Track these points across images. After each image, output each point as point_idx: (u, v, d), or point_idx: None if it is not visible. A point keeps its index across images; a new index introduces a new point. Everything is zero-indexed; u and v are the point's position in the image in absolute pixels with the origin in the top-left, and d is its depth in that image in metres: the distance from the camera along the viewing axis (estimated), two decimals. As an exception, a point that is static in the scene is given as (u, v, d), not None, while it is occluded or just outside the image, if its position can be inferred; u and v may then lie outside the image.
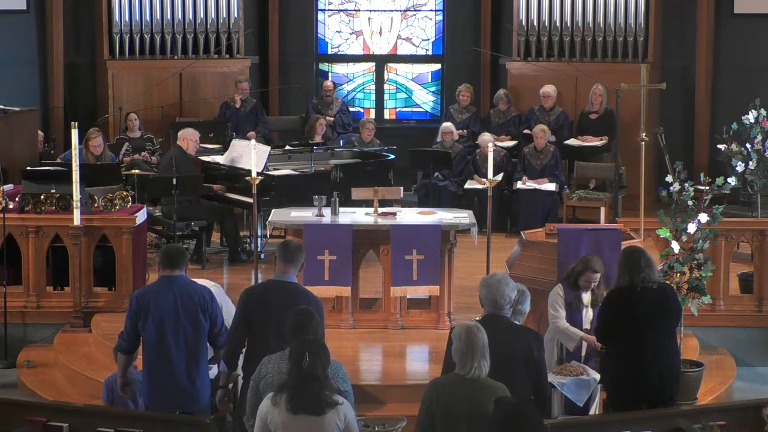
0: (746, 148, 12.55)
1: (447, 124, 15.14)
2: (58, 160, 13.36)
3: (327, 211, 11.06)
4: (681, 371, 8.50)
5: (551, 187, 14.38)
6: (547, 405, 7.40)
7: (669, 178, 10.18)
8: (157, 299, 7.87)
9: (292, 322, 6.94)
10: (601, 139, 15.16)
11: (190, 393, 7.94)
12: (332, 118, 16.06)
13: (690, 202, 9.98)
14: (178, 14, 16.33)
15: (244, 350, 7.82)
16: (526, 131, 15.23)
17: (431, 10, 17.47)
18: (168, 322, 7.86)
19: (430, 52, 17.58)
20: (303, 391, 6.31)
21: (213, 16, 16.38)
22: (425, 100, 17.66)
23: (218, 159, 13.66)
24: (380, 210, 11.13)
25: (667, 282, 8.97)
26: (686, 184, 10.00)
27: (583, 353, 9.02)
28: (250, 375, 7.36)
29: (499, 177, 12.92)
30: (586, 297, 8.97)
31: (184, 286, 7.95)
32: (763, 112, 12.50)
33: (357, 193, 11.40)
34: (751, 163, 12.51)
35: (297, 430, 6.34)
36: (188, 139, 13.10)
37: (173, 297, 7.87)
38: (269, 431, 6.38)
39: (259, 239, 12.65)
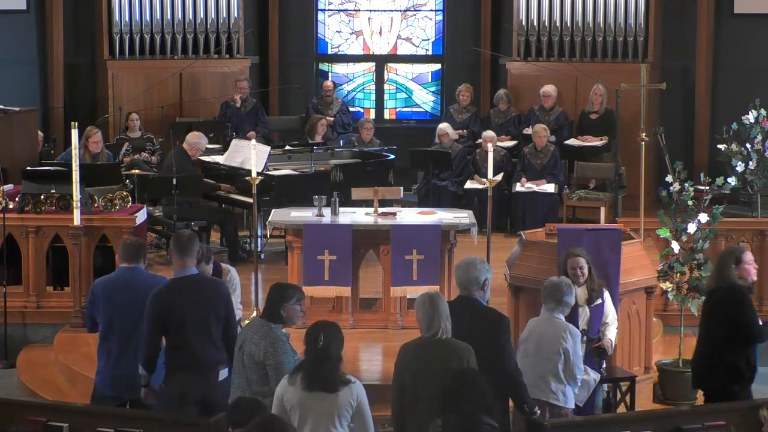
0: (746, 148, 12.55)
1: (442, 126, 15.06)
2: (57, 160, 13.35)
3: (327, 211, 11.06)
4: None
5: (550, 188, 14.39)
6: (518, 385, 7.44)
7: (669, 178, 10.18)
8: (109, 289, 8.09)
9: (270, 299, 7.18)
10: (601, 139, 15.16)
11: (130, 382, 8.02)
12: (332, 118, 16.06)
13: (690, 202, 9.98)
14: (178, 14, 16.32)
15: None
16: (526, 131, 15.23)
17: (431, 10, 17.47)
18: (116, 312, 8.05)
19: (430, 52, 17.58)
20: (317, 369, 6.55)
21: (213, 16, 16.38)
22: (425, 100, 17.66)
23: (218, 159, 13.66)
24: (380, 210, 11.12)
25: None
26: (686, 184, 10.00)
27: (583, 353, 9.02)
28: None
29: (499, 177, 12.92)
30: (581, 294, 8.95)
31: (140, 279, 8.09)
32: (763, 112, 12.51)
33: (357, 193, 11.40)
34: (751, 163, 12.52)
35: (312, 406, 6.55)
36: (196, 147, 13.12)
37: (125, 289, 8.05)
38: (286, 410, 6.58)
39: (259, 239, 12.65)
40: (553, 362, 7.88)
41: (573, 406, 8.14)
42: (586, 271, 8.86)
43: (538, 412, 7.62)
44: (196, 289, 7.78)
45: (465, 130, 15.56)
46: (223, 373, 7.73)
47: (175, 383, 7.74)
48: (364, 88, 17.63)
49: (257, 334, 7.12)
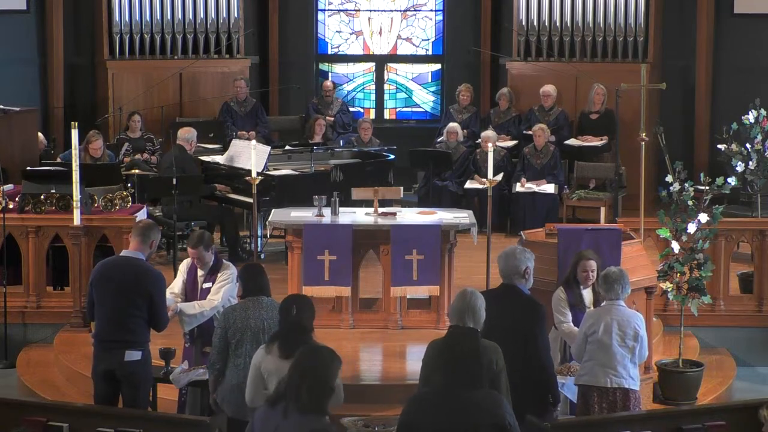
0: (746, 148, 12.54)
1: (453, 125, 15.14)
2: (59, 160, 13.36)
3: (327, 211, 11.06)
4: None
5: (550, 188, 14.38)
6: (550, 377, 7.51)
7: (669, 178, 10.18)
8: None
9: (250, 282, 7.83)
10: (601, 139, 15.15)
11: None
12: (332, 118, 16.06)
13: (690, 202, 9.98)
14: (178, 14, 16.32)
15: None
16: (528, 132, 15.21)
17: (431, 10, 17.47)
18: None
19: (430, 52, 17.57)
20: (291, 338, 6.99)
21: (213, 16, 16.38)
22: (425, 100, 17.66)
23: (218, 159, 13.66)
24: (380, 210, 11.12)
25: None
26: (686, 184, 10.00)
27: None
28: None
29: (499, 177, 12.91)
30: (588, 296, 8.95)
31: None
32: (763, 112, 12.49)
33: (357, 193, 11.40)
34: (751, 163, 12.50)
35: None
36: (192, 141, 13.19)
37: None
38: (263, 377, 7.07)
39: (259, 239, 12.65)
40: (632, 350, 8.05)
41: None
42: (596, 274, 8.86)
43: (559, 409, 7.67)
44: (120, 270, 8.17)
45: (465, 130, 15.55)
46: (132, 354, 8.12)
47: (93, 351, 8.34)
48: (364, 88, 17.63)
49: (274, 311, 7.55)
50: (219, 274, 8.71)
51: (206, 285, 8.70)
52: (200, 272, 8.76)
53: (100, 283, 8.19)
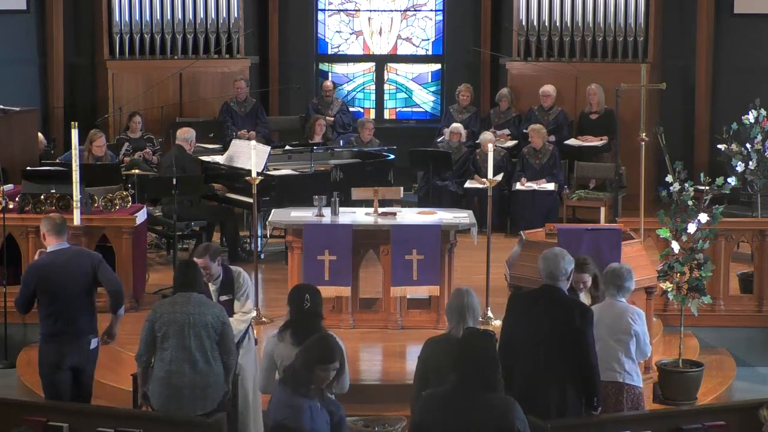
0: (746, 148, 12.55)
1: (457, 125, 15.15)
2: (58, 161, 13.36)
3: (327, 211, 11.06)
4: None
5: (550, 187, 14.39)
6: (596, 379, 7.50)
7: (669, 178, 10.18)
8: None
9: (179, 277, 8.01)
10: (601, 139, 15.15)
11: None
12: (332, 118, 16.06)
13: (690, 202, 9.98)
14: (178, 14, 16.33)
15: None
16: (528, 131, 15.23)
17: (431, 10, 17.47)
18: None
19: (430, 52, 17.57)
20: (304, 326, 7.21)
21: (213, 16, 16.38)
22: (425, 100, 17.66)
23: (218, 159, 13.66)
24: (380, 210, 11.13)
25: None
26: (686, 184, 10.00)
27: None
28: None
29: (499, 177, 12.92)
30: (585, 299, 8.95)
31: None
32: (763, 112, 12.50)
33: (357, 193, 11.40)
34: (751, 163, 12.51)
35: None
36: (192, 141, 13.22)
37: None
38: (276, 364, 7.25)
39: (259, 239, 12.64)
40: (625, 344, 8.03)
41: (642, 385, 8.28)
42: (589, 284, 8.85)
43: (600, 410, 7.68)
44: (58, 264, 8.38)
45: (465, 130, 15.55)
46: (95, 342, 8.51)
47: (50, 350, 8.39)
48: (364, 88, 17.63)
49: (202, 306, 7.85)
50: (235, 284, 8.75)
51: (223, 297, 8.72)
52: (212, 286, 8.76)
53: (45, 285, 8.35)
